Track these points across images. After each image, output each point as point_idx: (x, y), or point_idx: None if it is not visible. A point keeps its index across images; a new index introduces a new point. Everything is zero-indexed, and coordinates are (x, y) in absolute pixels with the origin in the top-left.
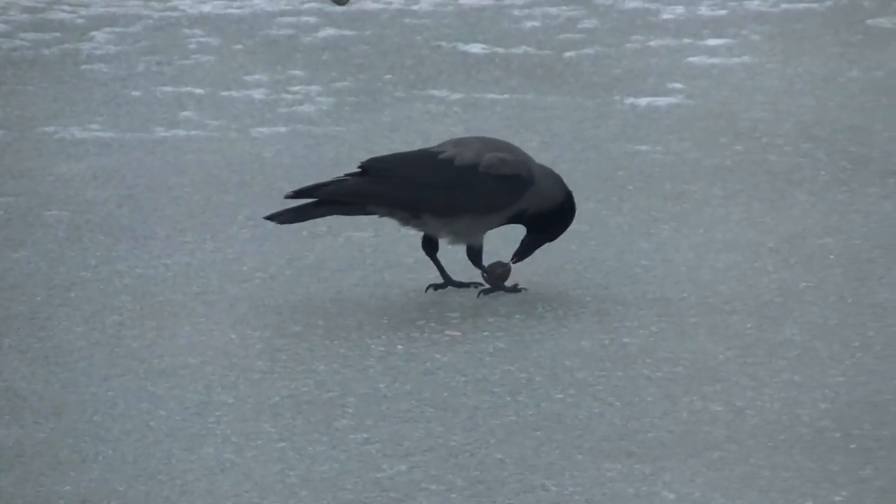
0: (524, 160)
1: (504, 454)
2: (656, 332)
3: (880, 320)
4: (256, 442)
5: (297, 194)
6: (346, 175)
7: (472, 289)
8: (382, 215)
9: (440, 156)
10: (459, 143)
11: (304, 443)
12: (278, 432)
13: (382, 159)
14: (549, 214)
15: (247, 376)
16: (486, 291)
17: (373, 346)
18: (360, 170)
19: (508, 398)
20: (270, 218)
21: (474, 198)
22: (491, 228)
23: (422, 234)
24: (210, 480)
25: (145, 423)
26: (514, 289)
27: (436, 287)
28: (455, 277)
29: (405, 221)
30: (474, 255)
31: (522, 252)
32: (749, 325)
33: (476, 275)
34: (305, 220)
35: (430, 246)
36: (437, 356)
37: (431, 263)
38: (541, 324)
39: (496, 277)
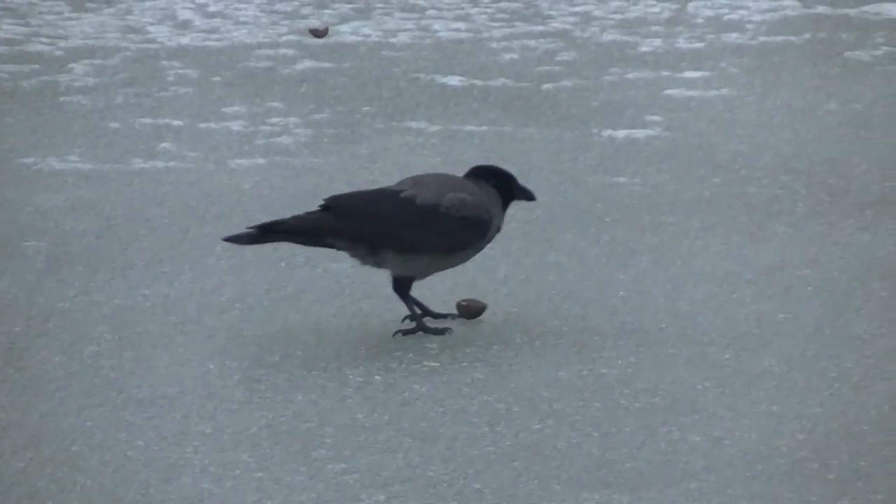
0: (481, 200)
1: (482, 484)
2: (634, 363)
3: (858, 351)
4: (234, 472)
5: (260, 228)
6: (309, 213)
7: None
8: (340, 248)
9: (401, 195)
10: (417, 182)
11: (282, 472)
12: (256, 462)
13: (344, 197)
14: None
15: (225, 406)
16: (405, 332)
17: (351, 377)
18: (322, 207)
19: (486, 428)
20: (230, 239)
21: (437, 238)
22: (449, 268)
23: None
24: None
25: (123, 452)
26: (438, 331)
27: (405, 333)
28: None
29: (362, 258)
30: (403, 285)
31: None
32: (727, 356)
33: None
34: (263, 242)
35: (399, 287)
36: (416, 386)
37: (418, 286)
38: (519, 354)
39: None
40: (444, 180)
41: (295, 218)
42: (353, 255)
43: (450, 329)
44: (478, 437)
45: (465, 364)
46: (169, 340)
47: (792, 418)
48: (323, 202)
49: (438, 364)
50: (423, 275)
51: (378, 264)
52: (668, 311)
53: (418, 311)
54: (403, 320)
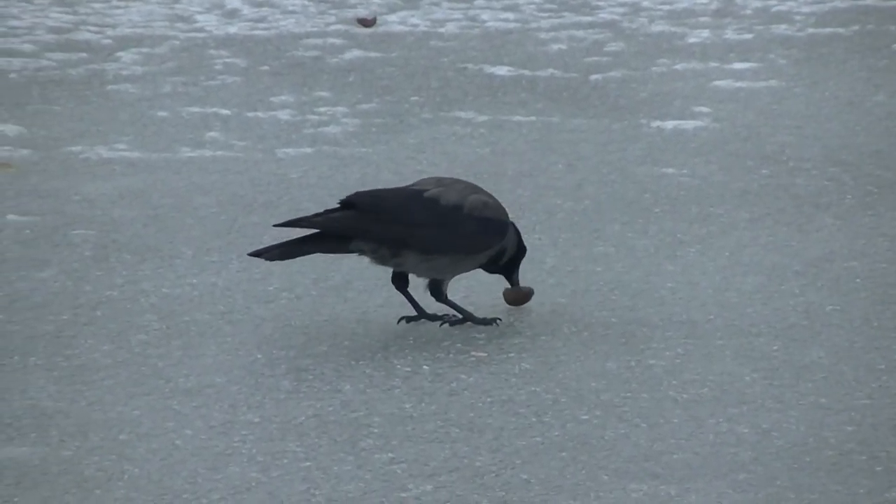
0: (500, 204)
1: (529, 475)
2: (682, 354)
3: None
4: (282, 461)
5: (285, 225)
6: (329, 210)
7: (440, 322)
8: (363, 253)
9: (425, 194)
10: (441, 182)
11: (330, 462)
12: (304, 452)
13: (368, 195)
14: (513, 260)
15: (272, 396)
16: (452, 323)
17: (398, 367)
18: (342, 205)
19: (534, 419)
20: (256, 254)
21: (458, 238)
22: (466, 271)
23: (391, 270)
24: (235, 500)
25: (171, 441)
26: (486, 320)
27: (408, 319)
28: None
29: (383, 259)
30: (438, 289)
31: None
32: (775, 348)
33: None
34: (293, 257)
35: (400, 281)
36: (463, 377)
37: (461, 282)
38: (566, 345)
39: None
40: (467, 183)
41: (321, 217)
42: (374, 259)
43: (499, 319)
44: (525, 427)
45: (512, 354)
46: (216, 330)
47: (840, 410)
48: (343, 200)
49: (486, 354)
50: (445, 276)
51: (399, 266)
52: (716, 302)
53: (460, 315)
54: (409, 320)
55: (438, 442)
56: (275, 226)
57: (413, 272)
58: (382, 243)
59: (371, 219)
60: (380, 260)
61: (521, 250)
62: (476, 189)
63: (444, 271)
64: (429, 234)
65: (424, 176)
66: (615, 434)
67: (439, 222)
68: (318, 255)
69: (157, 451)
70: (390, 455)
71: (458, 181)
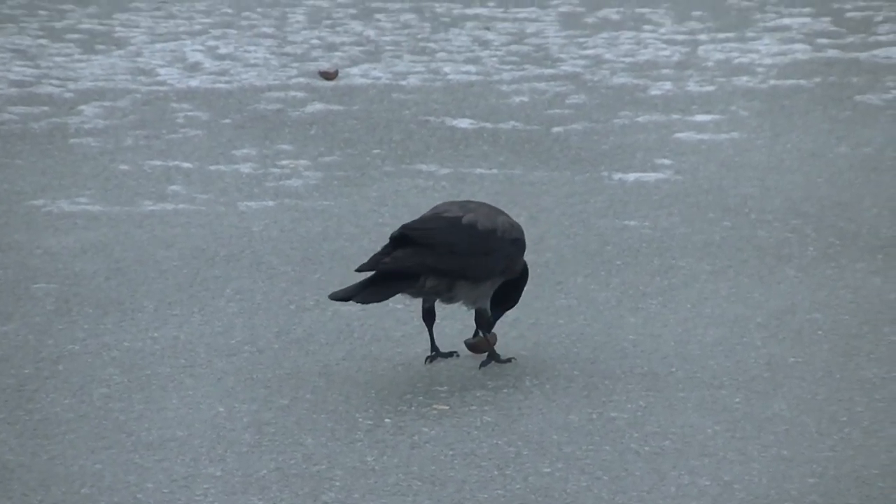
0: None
1: None
2: (644, 407)
3: (868, 395)
4: None
5: (362, 267)
6: (386, 250)
7: (455, 357)
8: (426, 286)
9: (462, 221)
10: (463, 207)
11: None
12: None
13: (419, 227)
14: (518, 279)
15: (234, 449)
16: (484, 363)
17: (360, 420)
18: (397, 239)
19: (496, 472)
20: (344, 298)
21: (500, 262)
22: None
23: (423, 304)
24: None
25: (133, 495)
26: (508, 360)
27: (432, 358)
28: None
29: (439, 293)
30: (486, 319)
31: (490, 324)
32: (737, 400)
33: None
34: (381, 300)
35: (430, 318)
36: (425, 429)
37: (424, 335)
38: (528, 398)
39: (492, 344)
40: (485, 205)
41: (388, 259)
42: (430, 292)
43: (515, 359)
44: (487, 480)
45: (474, 407)
46: (178, 383)
47: (802, 462)
48: (396, 233)
49: (448, 407)
50: (486, 301)
51: (449, 299)
52: (678, 354)
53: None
54: (432, 359)
55: (401, 495)
56: (357, 270)
57: (463, 300)
58: (444, 276)
59: (429, 253)
60: (435, 293)
61: (525, 271)
62: (497, 210)
63: (485, 296)
64: (478, 262)
65: (388, 230)
66: (577, 487)
67: (483, 249)
68: (281, 306)
69: None
70: None
71: (480, 204)
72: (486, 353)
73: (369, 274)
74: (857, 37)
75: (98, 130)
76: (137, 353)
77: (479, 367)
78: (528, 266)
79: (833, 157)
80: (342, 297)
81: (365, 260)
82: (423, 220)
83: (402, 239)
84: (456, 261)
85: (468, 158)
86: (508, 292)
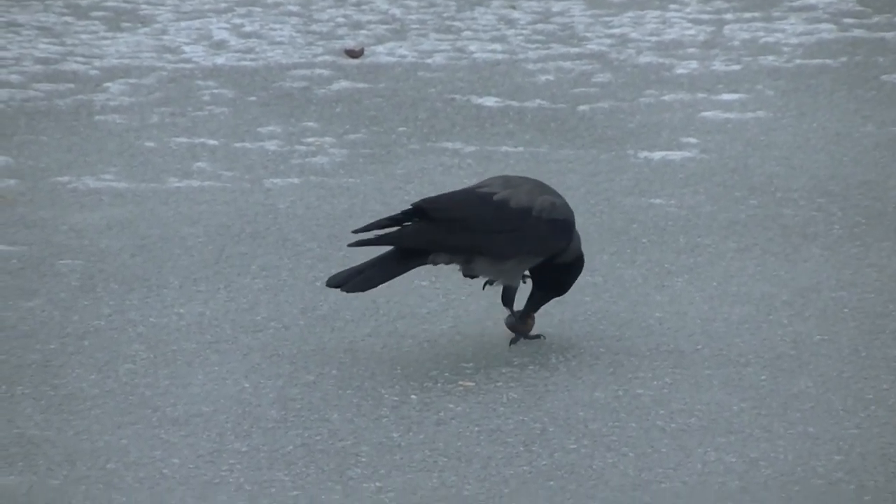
0: (566, 202)
1: None
2: (670, 384)
3: (894, 373)
4: (270, 490)
5: (359, 244)
6: (400, 215)
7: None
8: (438, 263)
9: (494, 197)
10: (508, 182)
11: (318, 491)
12: (291, 481)
13: (437, 200)
14: (569, 266)
15: (260, 425)
16: (514, 341)
17: (386, 396)
18: (414, 211)
19: (522, 448)
20: (335, 285)
21: (528, 242)
22: (527, 269)
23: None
24: None
25: (158, 470)
26: (537, 336)
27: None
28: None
29: (455, 266)
30: (510, 297)
31: (534, 306)
32: (763, 378)
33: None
34: (375, 286)
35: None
36: (451, 406)
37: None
38: (554, 375)
39: (529, 325)
40: (533, 182)
41: (396, 231)
42: (446, 264)
43: (544, 336)
44: (513, 456)
45: (500, 384)
46: (204, 359)
47: (828, 440)
48: (414, 205)
49: (474, 384)
50: (514, 280)
51: (470, 271)
52: (704, 332)
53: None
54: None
55: (426, 471)
56: (350, 245)
57: (483, 275)
58: (458, 252)
59: (445, 228)
60: (452, 266)
61: (578, 260)
62: (544, 189)
63: (510, 274)
64: (501, 239)
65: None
66: (603, 463)
67: (510, 227)
68: (307, 283)
69: (144, 480)
70: (378, 484)
71: (525, 180)
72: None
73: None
74: (883, 16)
75: (123, 107)
76: (163, 329)
77: (509, 346)
78: None
79: (859, 137)
80: (335, 284)
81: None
82: (448, 194)
83: (418, 212)
84: (471, 237)
85: (494, 136)
86: (559, 278)
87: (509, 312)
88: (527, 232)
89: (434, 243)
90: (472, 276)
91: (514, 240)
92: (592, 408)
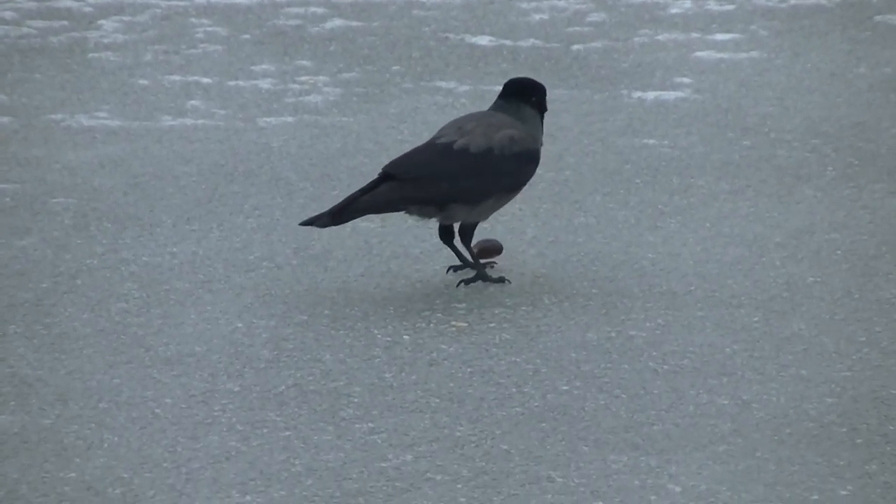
0: (527, 131)
1: (509, 445)
2: (663, 326)
3: (887, 316)
4: (262, 430)
5: (338, 212)
6: (368, 186)
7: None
8: (412, 213)
9: (454, 146)
10: (461, 128)
11: (310, 432)
12: (284, 421)
13: (402, 162)
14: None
15: (252, 365)
16: (468, 281)
17: (379, 337)
18: (382, 175)
19: (514, 389)
20: (308, 223)
21: (501, 180)
22: (506, 203)
23: (437, 224)
24: (215, 468)
25: (150, 410)
26: (500, 279)
27: (456, 269)
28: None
29: (430, 214)
30: (468, 233)
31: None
32: (756, 320)
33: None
34: (344, 222)
35: (446, 235)
36: (443, 347)
37: (443, 252)
38: (547, 316)
39: (487, 252)
40: (484, 120)
41: (366, 195)
42: (421, 216)
43: (509, 280)
44: (505, 398)
45: (492, 325)
46: (196, 299)
47: (820, 382)
48: (382, 171)
49: (466, 324)
50: (487, 217)
51: (446, 218)
52: (697, 273)
53: (473, 261)
54: (457, 269)
55: (419, 412)
56: (333, 217)
57: (462, 220)
58: (429, 203)
59: (413, 186)
60: (427, 215)
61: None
62: (499, 124)
63: (489, 211)
64: (471, 184)
65: (406, 146)
66: (595, 405)
67: (477, 171)
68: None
69: (136, 419)
70: (370, 425)
71: (476, 119)
72: (473, 267)
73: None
74: None
75: (117, 45)
76: (156, 269)
77: (457, 286)
78: (547, 184)
79: (852, 78)
80: (308, 222)
81: None
82: (409, 153)
83: (387, 177)
84: (441, 187)
85: (487, 76)
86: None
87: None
88: (495, 171)
89: (406, 199)
90: (450, 223)
91: (484, 182)
92: (585, 349)
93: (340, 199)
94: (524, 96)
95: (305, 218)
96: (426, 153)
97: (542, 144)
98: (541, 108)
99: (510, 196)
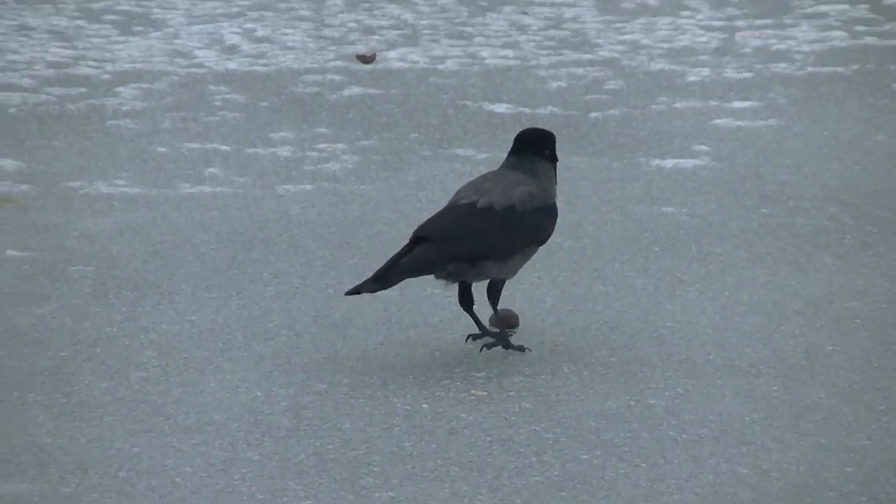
0: (542, 186)
1: None
2: (682, 394)
3: None
4: (282, 499)
5: (382, 276)
6: (409, 248)
7: (527, 352)
8: (449, 272)
9: (478, 205)
10: (479, 189)
11: (330, 501)
12: (304, 490)
13: (431, 225)
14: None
15: (272, 433)
16: (489, 346)
17: (398, 405)
18: (415, 239)
19: (534, 458)
20: (355, 291)
21: (526, 234)
22: (531, 257)
23: (457, 288)
24: None
25: (170, 479)
26: (520, 348)
27: (475, 337)
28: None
29: (463, 274)
30: (497, 290)
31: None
32: (775, 388)
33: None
34: (389, 287)
35: (466, 300)
36: (463, 415)
37: (463, 320)
38: (566, 384)
39: (504, 321)
40: (500, 180)
41: (404, 257)
42: (454, 275)
43: (529, 349)
44: (525, 466)
45: (512, 393)
46: (216, 367)
47: (840, 451)
48: (414, 235)
49: (486, 393)
50: (515, 273)
51: (478, 276)
52: (716, 341)
53: (493, 327)
54: (476, 338)
55: (438, 481)
56: (377, 281)
57: (492, 277)
58: (462, 261)
59: (446, 245)
60: (461, 275)
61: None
62: (512, 180)
63: (517, 266)
64: (499, 240)
65: (425, 214)
66: (615, 474)
67: (502, 227)
68: (319, 290)
69: (156, 488)
70: (390, 494)
71: (491, 180)
72: (493, 336)
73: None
74: (895, 24)
75: (135, 112)
76: (175, 337)
77: (480, 350)
78: (566, 252)
79: (871, 146)
80: (356, 291)
81: (402, 244)
82: (437, 216)
83: (418, 241)
84: (475, 245)
85: (506, 143)
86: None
87: (493, 311)
88: (520, 226)
89: (442, 258)
90: (479, 279)
91: (510, 237)
92: (604, 418)
93: (363, 267)
94: (537, 150)
95: (349, 288)
96: (452, 214)
97: (556, 196)
98: (553, 159)
99: (535, 250)
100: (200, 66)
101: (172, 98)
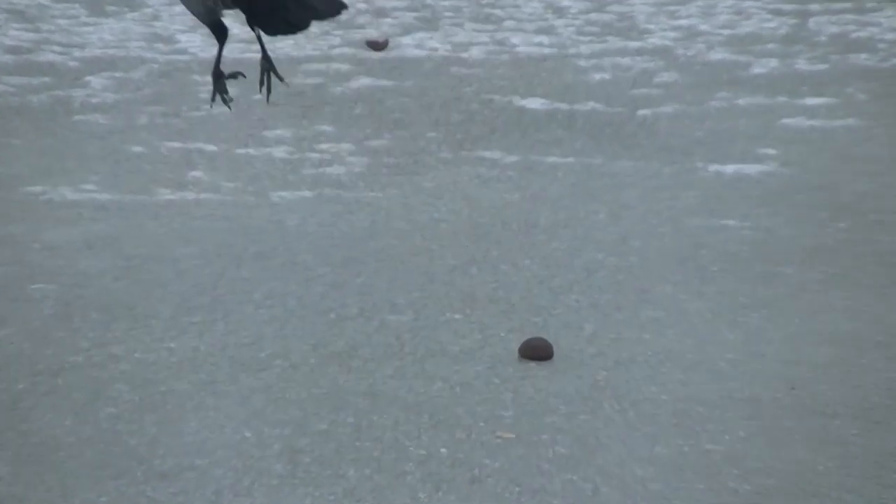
0: None
1: None
2: (744, 438)
3: None
4: None
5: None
6: None
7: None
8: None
9: None
10: None
11: None
12: None
13: None
14: None
15: (263, 481)
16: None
17: (411, 449)
18: None
19: None
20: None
21: None
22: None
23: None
24: None
25: None
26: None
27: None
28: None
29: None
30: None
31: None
32: (854, 432)
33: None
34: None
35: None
36: (487, 462)
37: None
38: (608, 426)
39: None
40: None
41: None
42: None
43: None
44: None
45: (545, 436)
46: (198, 402)
47: None
48: None
49: (514, 435)
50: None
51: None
52: (784, 377)
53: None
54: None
55: None
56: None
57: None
58: None
59: None
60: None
61: None
62: None
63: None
64: None
65: (444, 225)
66: None
67: None
68: (320, 314)
69: None
70: None
71: None
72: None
73: None
74: None
75: (107, 106)
76: (150, 367)
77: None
78: (608, 272)
79: None
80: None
81: (416, 260)
82: None
83: None
84: None
85: (539, 144)
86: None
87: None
88: None
89: None
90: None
91: None
92: (653, 465)
93: (370, 287)
94: None
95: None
96: None
97: None
98: None
99: None
100: (183, 52)
101: (150, 89)
